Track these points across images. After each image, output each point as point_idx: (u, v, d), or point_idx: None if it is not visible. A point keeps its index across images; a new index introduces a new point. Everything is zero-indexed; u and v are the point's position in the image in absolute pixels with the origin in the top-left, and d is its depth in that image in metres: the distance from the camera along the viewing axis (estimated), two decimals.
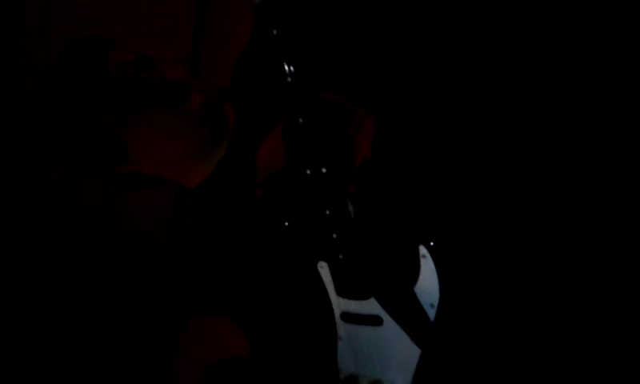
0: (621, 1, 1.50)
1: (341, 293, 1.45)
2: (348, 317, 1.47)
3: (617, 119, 1.50)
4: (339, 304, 1.47)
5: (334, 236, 1.38)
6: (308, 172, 1.34)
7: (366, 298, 1.43)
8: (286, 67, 1.25)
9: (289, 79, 1.26)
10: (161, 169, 1.58)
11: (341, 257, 1.40)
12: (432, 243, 1.36)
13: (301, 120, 1.30)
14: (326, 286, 1.47)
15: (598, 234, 1.47)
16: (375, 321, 1.44)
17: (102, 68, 1.50)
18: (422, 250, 1.36)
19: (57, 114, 1.53)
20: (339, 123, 1.43)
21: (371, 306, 1.44)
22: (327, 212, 1.36)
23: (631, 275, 1.45)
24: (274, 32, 1.23)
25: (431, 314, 1.39)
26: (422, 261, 1.37)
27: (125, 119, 1.49)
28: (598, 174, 1.49)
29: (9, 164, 2.41)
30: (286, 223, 1.45)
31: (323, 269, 1.45)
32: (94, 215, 2.59)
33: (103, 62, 1.50)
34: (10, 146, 2.36)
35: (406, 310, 1.41)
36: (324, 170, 1.33)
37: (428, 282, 1.37)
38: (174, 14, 2.55)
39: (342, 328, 1.49)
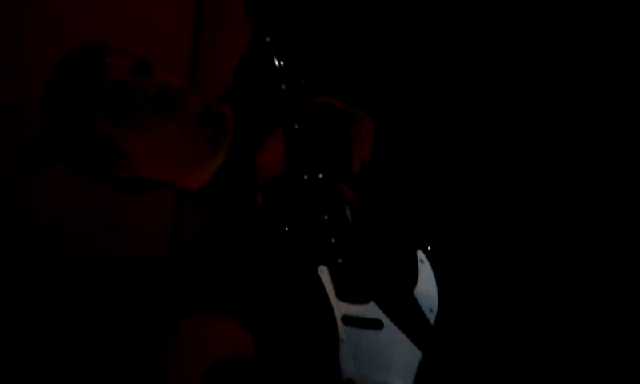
0: (621, 1, 1.48)
1: (341, 297, 1.46)
2: (349, 320, 1.48)
3: (617, 120, 1.48)
4: (340, 307, 1.48)
5: (333, 241, 1.39)
6: (305, 177, 1.34)
7: (365, 302, 1.44)
8: (280, 73, 1.26)
9: (283, 86, 1.26)
10: (162, 173, 1.58)
11: (340, 261, 1.41)
12: (429, 248, 1.36)
13: (296, 126, 1.30)
14: (327, 289, 1.47)
15: (596, 237, 1.46)
16: (376, 324, 1.45)
17: (98, 75, 1.50)
18: (420, 254, 1.36)
19: (56, 121, 1.54)
20: (338, 127, 1.43)
21: (371, 310, 1.45)
22: (325, 217, 1.37)
23: (631, 276, 1.44)
24: (267, 39, 1.23)
25: (430, 317, 1.39)
26: (420, 266, 1.37)
27: (124, 125, 1.49)
28: (597, 179, 1.48)
29: (8, 168, 2.43)
30: (286, 228, 1.45)
31: (323, 273, 1.46)
32: (96, 219, 2.61)
33: (100, 69, 1.51)
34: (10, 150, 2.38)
35: (406, 314, 1.41)
36: (321, 176, 1.33)
37: (426, 287, 1.38)
38: (173, 19, 2.55)
39: (344, 331, 1.50)
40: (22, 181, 2.48)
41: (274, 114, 1.40)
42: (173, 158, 1.55)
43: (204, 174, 1.58)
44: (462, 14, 1.55)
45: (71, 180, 1.64)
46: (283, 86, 1.26)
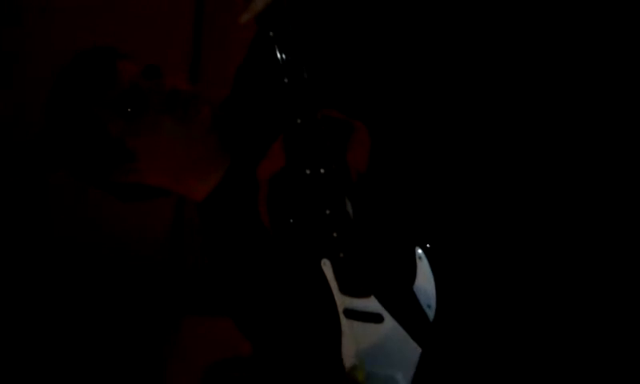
0: (621, 1, 1.50)
1: (343, 290, 1.47)
2: (350, 313, 1.49)
3: (617, 119, 1.49)
4: (342, 300, 1.49)
5: (335, 235, 1.40)
6: (307, 172, 1.36)
7: (366, 295, 1.45)
8: (283, 68, 1.27)
9: (285, 80, 1.28)
10: (167, 179, 1.60)
11: (341, 255, 1.42)
12: (428, 245, 1.38)
13: (299, 121, 1.32)
14: (329, 282, 1.49)
15: (593, 234, 1.47)
16: (376, 318, 1.46)
17: (111, 76, 1.52)
18: (418, 251, 1.38)
19: (64, 121, 1.55)
20: (336, 137, 1.44)
21: (372, 304, 1.46)
22: (327, 211, 1.38)
23: (631, 275, 1.45)
24: (270, 34, 1.25)
25: (429, 314, 1.40)
26: (418, 263, 1.38)
27: (134, 127, 1.51)
28: (596, 177, 1.49)
29: (10, 167, 2.45)
30: (291, 220, 1.47)
31: (326, 266, 1.47)
32: (96, 219, 2.61)
33: (113, 71, 1.52)
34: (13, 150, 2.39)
35: (405, 309, 1.42)
36: (322, 171, 1.35)
37: (424, 284, 1.39)
38: (173, 22, 2.57)
39: (345, 324, 1.51)
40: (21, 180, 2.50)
41: (276, 118, 1.42)
42: (179, 164, 1.56)
43: (207, 183, 1.59)
44: (457, 19, 1.56)
45: (71, 181, 1.64)
46: (286, 80, 1.28)
